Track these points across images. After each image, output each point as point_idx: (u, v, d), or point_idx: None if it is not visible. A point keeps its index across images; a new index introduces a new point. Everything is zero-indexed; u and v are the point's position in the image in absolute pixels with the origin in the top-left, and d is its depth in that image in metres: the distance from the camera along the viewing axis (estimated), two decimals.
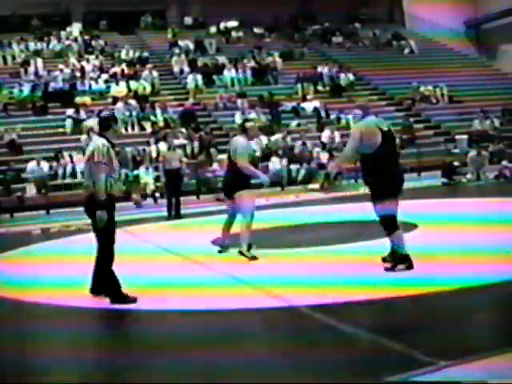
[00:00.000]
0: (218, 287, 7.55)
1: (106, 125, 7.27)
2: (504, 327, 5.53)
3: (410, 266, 7.40)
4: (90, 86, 25.37)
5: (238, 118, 24.02)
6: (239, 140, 9.45)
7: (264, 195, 17.80)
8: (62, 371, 5.23)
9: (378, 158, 7.44)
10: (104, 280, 7.08)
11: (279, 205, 16.21)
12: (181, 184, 16.18)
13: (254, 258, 8.96)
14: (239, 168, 9.19)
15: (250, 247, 9.08)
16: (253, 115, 23.97)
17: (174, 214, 15.42)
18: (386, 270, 7.47)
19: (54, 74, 25.50)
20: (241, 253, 9.06)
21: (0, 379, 5.14)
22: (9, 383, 5.09)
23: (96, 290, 7.23)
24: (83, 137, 21.88)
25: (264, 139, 22.81)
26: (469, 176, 19.37)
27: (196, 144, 22.50)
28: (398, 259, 7.48)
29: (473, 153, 19.90)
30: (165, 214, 15.74)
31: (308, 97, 26.28)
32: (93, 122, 22.62)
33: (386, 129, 7.58)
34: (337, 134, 23.43)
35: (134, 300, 6.97)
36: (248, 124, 9.81)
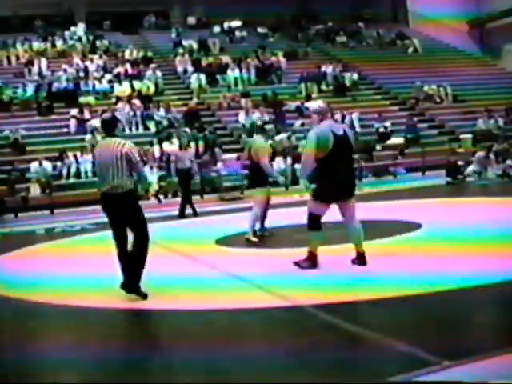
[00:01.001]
0: (222, 286, 7.55)
1: (114, 125, 7.40)
2: (506, 327, 5.51)
3: (313, 265, 7.84)
4: (94, 85, 25.41)
5: (242, 118, 24.06)
6: (258, 140, 10.66)
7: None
8: (64, 371, 5.24)
9: (326, 162, 7.63)
10: (138, 274, 7.10)
11: (283, 204, 16.19)
12: (190, 183, 16.23)
13: (257, 240, 10.30)
14: (259, 166, 10.36)
15: (254, 233, 10.48)
16: (256, 115, 24.01)
17: (192, 212, 15.48)
18: (296, 264, 7.94)
19: (58, 74, 25.53)
20: (248, 240, 10.31)
21: (2, 379, 5.15)
22: (9, 383, 5.10)
23: (129, 285, 7.16)
24: (87, 137, 21.91)
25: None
26: (471, 174, 19.32)
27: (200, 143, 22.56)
28: (308, 254, 7.92)
29: (481, 154, 19.76)
30: (169, 213, 15.80)
31: (313, 95, 26.27)
32: (97, 122, 22.76)
33: (340, 133, 7.73)
34: None
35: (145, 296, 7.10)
36: (268, 126, 11.20)
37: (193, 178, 16.67)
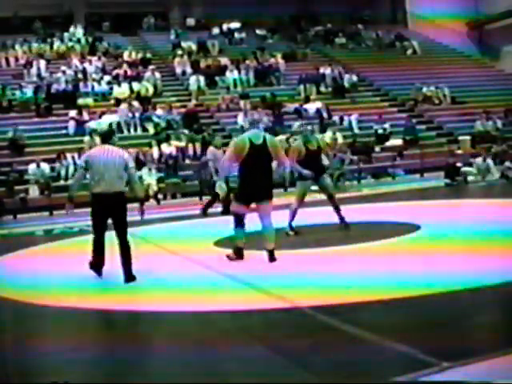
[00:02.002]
0: (221, 288, 7.55)
1: (111, 136, 8.67)
2: (507, 328, 5.52)
3: (240, 258, 8.97)
4: (93, 87, 25.40)
5: (241, 120, 24.06)
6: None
7: None
8: (64, 371, 5.23)
9: (243, 166, 8.78)
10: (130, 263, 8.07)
11: (282, 206, 16.18)
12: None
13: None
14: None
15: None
16: (255, 116, 24.02)
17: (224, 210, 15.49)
18: (227, 256, 9.06)
19: (57, 76, 25.53)
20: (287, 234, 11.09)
21: (3, 379, 5.14)
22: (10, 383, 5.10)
23: (130, 276, 8.05)
24: (86, 138, 21.90)
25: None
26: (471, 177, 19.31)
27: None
28: (234, 249, 9.01)
29: (479, 160, 19.67)
30: (168, 215, 15.82)
31: (312, 97, 26.28)
32: (95, 124, 22.77)
33: (259, 142, 8.71)
34: (339, 136, 23.45)
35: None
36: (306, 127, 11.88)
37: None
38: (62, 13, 31.64)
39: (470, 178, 19.10)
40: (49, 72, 26.11)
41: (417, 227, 10.53)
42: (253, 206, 8.92)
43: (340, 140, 23.30)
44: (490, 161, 19.63)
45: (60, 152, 21.14)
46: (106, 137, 8.67)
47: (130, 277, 8.01)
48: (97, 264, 8.30)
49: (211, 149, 16.54)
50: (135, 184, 8.57)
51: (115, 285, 8.01)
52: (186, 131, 23.18)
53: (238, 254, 9.00)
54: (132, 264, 8.05)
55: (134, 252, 8.18)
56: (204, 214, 15.49)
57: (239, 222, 8.91)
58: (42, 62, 26.75)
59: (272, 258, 8.68)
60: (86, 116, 23.38)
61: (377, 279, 7.18)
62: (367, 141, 24.00)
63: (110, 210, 8.16)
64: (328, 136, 23.23)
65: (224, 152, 16.03)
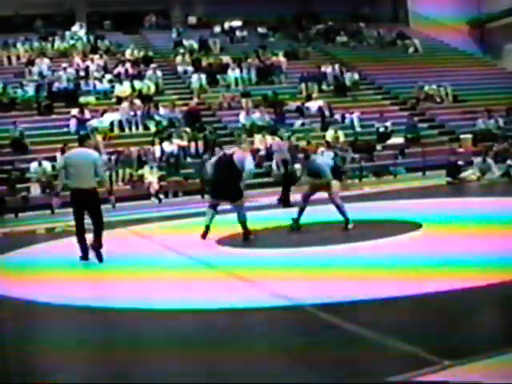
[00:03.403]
0: (222, 286, 7.55)
1: (86, 140, 10.17)
2: (507, 327, 5.52)
3: (203, 236, 10.84)
4: (95, 85, 25.39)
5: (242, 118, 24.07)
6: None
7: (268, 194, 17.82)
8: (64, 371, 5.24)
9: (212, 175, 11.55)
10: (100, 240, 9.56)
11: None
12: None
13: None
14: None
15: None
16: (257, 115, 24.05)
17: (284, 202, 15.63)
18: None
19: (59, 74, 25.53)
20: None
21: (4, 379, 5.15)
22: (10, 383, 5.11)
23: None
24: None
25: (269, 138, 22.82)
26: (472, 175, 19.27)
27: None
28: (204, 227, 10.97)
29: (479, 160, 19.62)
30: (169, 213, 15.87)
31: (313, 95, 26.27)
32: (97, 122, 22.79)
33: (226, 159, 11.06)
34: (341, 134, 23.44)
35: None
36: None
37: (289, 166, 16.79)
38: (63, 11, 31.61)
39: (469, 177, 19.06)
40: (50, 70, 26.11)
41: (418, 225, 10.53)
42: None
43: (342, 138, 23.28)
44: (489, 160, 19.59)
45: (64, 144, 21.08)
46: (83, 140, 10.06)
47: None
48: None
49: (277, 140, 17.43)
50: (102, 180, 10.06)
51: (117, 284, 8.01)
52: (188, 129, 23.17)
53: (204, 234, 10.88)
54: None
55: (134, 250, 8.17)
56: (285, 204, 15.57)
57: (210, 206, 11.11)
58: (44, 61, 26.74)
59: (248, 237, 10.87)
60: (87, 114, 23.37)
61: (378, 277, 7.19)
62: (369, 139, 23.99)
63: (85, 203, 9.56)
64: (329, 134, 23.25)
65: (289, 144, 16.60)
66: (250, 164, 10.97)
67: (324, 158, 12.42)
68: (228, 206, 11.38)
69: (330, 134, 23.29)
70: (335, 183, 11.29)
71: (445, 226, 10.44)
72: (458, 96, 27.79)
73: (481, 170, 19.16)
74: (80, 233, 9.61)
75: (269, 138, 21.77)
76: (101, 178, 9.82)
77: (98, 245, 9.44)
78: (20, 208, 19.02)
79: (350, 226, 10.91)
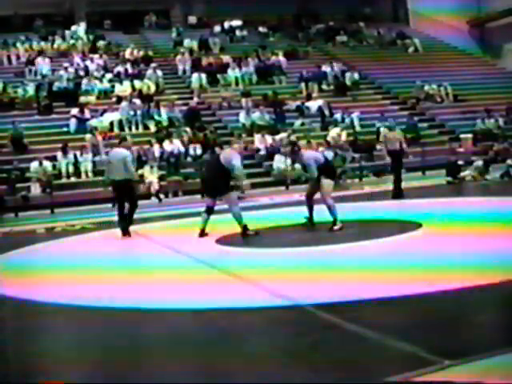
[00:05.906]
0: (222, 286, 7.55)
1: (121, 142, 12.68)
2: (507, 327, 5.51)
3: (202, 235, 11.39)
4: (95, 85, 25.39)
5: (242, 117, 24.07)
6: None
7: (269, 194, 17.84)
8: (64, 371, 5.24)
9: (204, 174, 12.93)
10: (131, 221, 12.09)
11: (284, 204, 16.21)
12: (402, 164, 16.40)
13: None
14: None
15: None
16: (257, 114, 24.04)
17: (397, 192, 15.47)
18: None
19: (59, 74, 25.53)
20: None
21: (4, 379, 5.15)
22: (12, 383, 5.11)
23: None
24: (87, 136, 21.92)
25: (268, 138, 22.85)
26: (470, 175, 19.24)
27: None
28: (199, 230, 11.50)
29: (478, 162, 19.57)
30: (169, 213, 15.84)
31: (313, 95, 26.26)
32: (97, 122, 22.80)
33: (213, 159, 12.68)
34: (342, 133, 23.43)
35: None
36: None
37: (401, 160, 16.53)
38: (63, 11, 31.62)
39: (468, 177, 19.05)
40: (50, 70, 26.12)
41: (418, 225, 10.52)
42: None
43: (344, 137, 23.29)
44: (488, 160, 19.59)
45: (64, 144, 21.15)
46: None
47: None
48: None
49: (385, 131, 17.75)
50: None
51: (117, 284, 8.02)
52: (188, 129, 23.17)
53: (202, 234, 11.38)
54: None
55: (135, 250, 8.17)
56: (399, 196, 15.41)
57: (206, 209, 11.61)
58: (44, 60, 26.75)
59: (246, 235, 11.02)
60: (87, 114, 23.39)
61: (377, 277, 7.19)
62: (369, 138, 23.98)
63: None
64: (335, 131, 23.22)
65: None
66: (236, 161, 11.04)
67: (314, 153, 11.85)
68: (226, 206, 11.37)
69: (335, 131, 23.23)
70: (327, 182, 11.04)
71: (445, 225, 10.45)
72: (458, 95, 27.80)
73: (479, 171, 19.14)
74: (120, 214, 12.00)
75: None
76: (128, 172, 12.01)
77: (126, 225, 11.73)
78: (20, 207, 19.02)
79: (336, 227, 10.67)
